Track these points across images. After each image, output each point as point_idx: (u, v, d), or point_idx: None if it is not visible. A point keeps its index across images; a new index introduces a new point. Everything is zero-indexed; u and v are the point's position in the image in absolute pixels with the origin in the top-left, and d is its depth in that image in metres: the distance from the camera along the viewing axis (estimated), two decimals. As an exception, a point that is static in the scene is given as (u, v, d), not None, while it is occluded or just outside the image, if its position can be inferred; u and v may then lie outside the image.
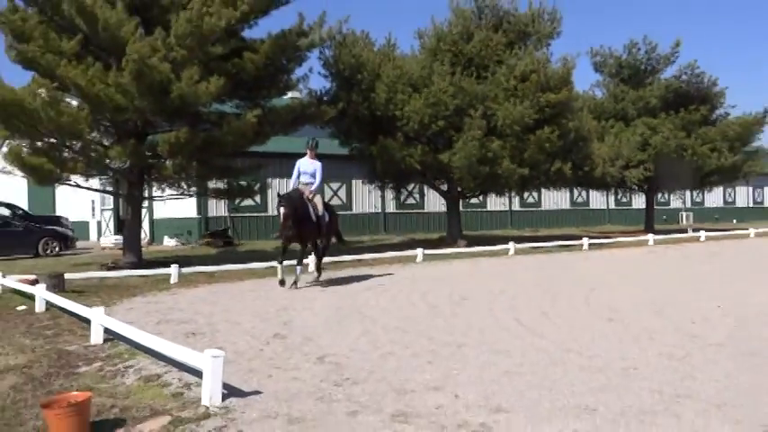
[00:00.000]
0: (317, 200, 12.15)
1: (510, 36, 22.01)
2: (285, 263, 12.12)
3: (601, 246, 23.05)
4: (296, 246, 12.48)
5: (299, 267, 12.20)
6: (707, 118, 30.38)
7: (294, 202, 11.48)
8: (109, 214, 29.51)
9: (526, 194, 31.82)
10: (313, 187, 12.08)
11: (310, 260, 14.57)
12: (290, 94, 20.46)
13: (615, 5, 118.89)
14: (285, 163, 26.36)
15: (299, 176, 12.19)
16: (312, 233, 12.14)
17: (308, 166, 12.15)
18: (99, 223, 30.50)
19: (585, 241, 22.54)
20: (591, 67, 32.72)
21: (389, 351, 6.75)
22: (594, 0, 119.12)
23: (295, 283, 11.92)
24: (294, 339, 7.41)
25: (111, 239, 24.76)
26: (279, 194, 11.60)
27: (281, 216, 11.24)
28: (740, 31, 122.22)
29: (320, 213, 12.06)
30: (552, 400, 5.01)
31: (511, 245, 20.35)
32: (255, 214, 26.43)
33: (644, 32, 66.92)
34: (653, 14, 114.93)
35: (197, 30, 13.61)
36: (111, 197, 26.77)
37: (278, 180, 25.97)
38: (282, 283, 11.74)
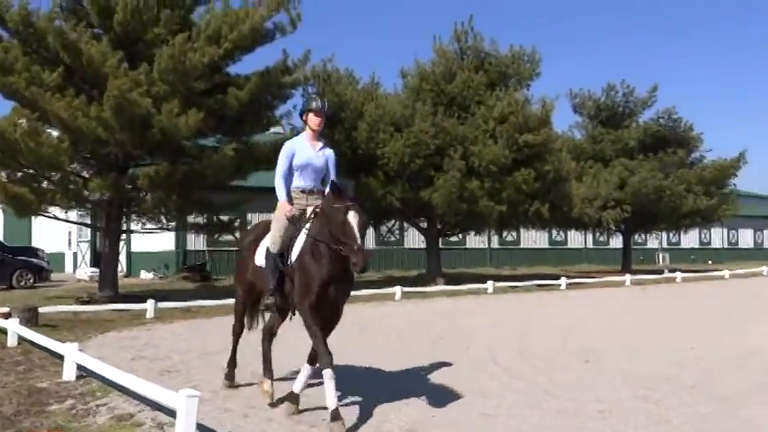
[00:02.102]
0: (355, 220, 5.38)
1: (491, 77, 22.38)
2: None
3: (578, 285, 23.17)
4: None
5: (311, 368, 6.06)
6: (684, 161, 30.99)
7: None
8: (86, 246, 29.21)
9: (505, 233, 32.01)
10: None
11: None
12: (273, 130, 20.57)
13: (595, 51, 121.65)
14: (267, 198, 26.47)
15: (289, 174, 6.13)
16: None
17: (313, 156, 6.10)
18: (75, 255, 30.14)
19: (563, 281, 22.66)
20: (570, 109, 33.27)
21: (366, 390, 6.71)
22: (574, 43, 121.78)
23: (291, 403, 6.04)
24: (287, 379, 7.34)
25: (86, 272, 24.46)
26: (337, 187, 5.54)
27: (356, 234, 5.30)
28: (715, 75, 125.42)
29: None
30: (528, 444, 5.01)
31: (489, 283, 20.39)
32: (235, 249, 26.22)
33: (623, 75, 68.36)
34: (632, 58, 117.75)
35: (180, 65, 13.72)
36: (89, 228, 26.52)
37: (258, 215, 25.92)
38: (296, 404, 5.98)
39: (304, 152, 6.09)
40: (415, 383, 7.10)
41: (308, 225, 5.81)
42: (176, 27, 14.76)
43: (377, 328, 11.85)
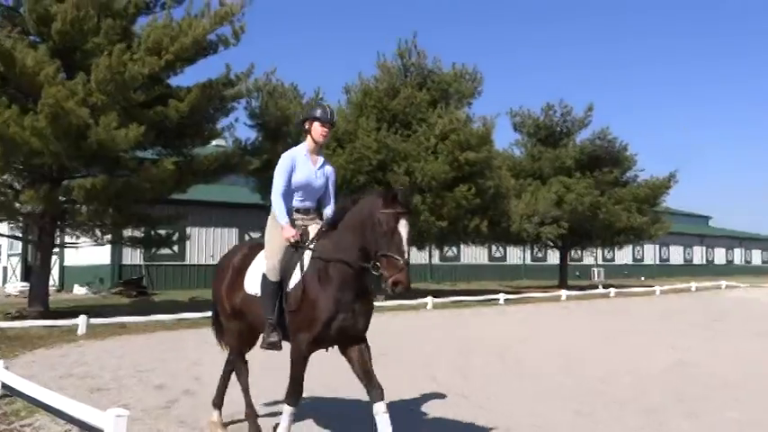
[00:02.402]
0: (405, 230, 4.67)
1: (433, 94, 22.70)
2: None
3: (516, 301, 23.56)
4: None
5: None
6: (618, 179, 31.97)
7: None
8: (16, 260, 28.21)
9: (445, 248, 32.34)
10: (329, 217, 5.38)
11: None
12: (215, 143, 20.33)
13: (536, 69, 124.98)
14: (206, 212, 26.22)
15: (288, 191, 5.32)
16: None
17: (312, 175, 5.39)
18: (5, 269, 29.08)
19: (502, 296, 23.00)
20: (510, 127, 33.96)
21: (300, 411, 6.66)
22: (516, 63, 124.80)
23: None
24: (204, 396, 7.19)
25: (17, 286, 23.63)
26: (398, 191, 4.70)
27: (405, 247, 4.54)
28: (648, 97, 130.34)
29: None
30: (461, 460, 5.06)
31: (429, 299, 20.53)
32: (173, 263, 25.79)
33: (561, 96, 70.04)
34: (571, 79, 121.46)
35: (119, 76, 13.45)
36: (20, 242, 25.63)
37: (197, 229, 25.56)
38: None
39: (304, 169, 5.31)
40: (349, 402, 7.08)
41: (312, 245, 5.02)
42: (117, 37, 14.47)
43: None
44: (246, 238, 28.16)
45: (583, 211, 29.06)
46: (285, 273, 5.03)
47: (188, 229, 23.14)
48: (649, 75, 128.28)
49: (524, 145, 33.35)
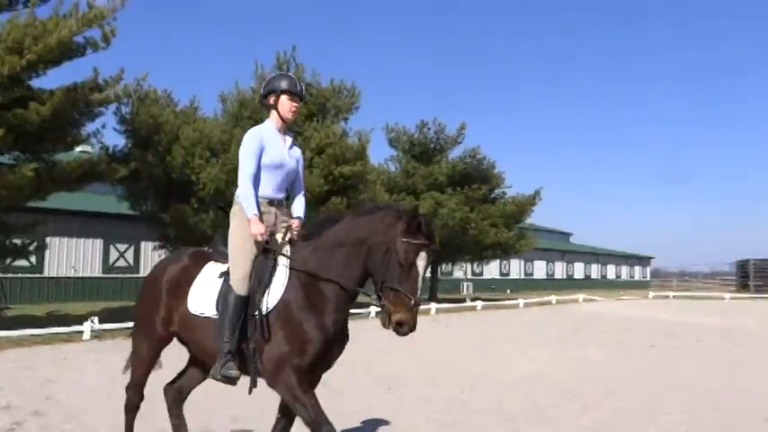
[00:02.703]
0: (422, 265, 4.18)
1: (311, 108, 22.78)
2: None
3: (389, 314, 23.94)
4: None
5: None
6: (487, 196, 33.33)
7: None
8: None
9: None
10: (299, 213, 4.74)
11: None
12: (80, 149, 19.40)
13: (413, 88, 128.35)
14: (68, 220, 24.86)
15: (257, 177, 4.46)
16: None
17: (286, 155, 4.59)
18: None
19: (372, 309, 23.31)
20: (386, 142, 34.56)
21: (162, 428, 6.51)
22: (392, 82, 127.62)
23: None
24: (54, 417, 6.87)
25: None
26: (423, 219, 4.11)
27: (419, 284, 4.16)
28: (516, 120, 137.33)
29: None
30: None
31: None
32: (29, 275, 24.23)
33: (436, 114, 72.22)
34: (448, 98, 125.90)
35: (-26, 75, 12.62)
36: None
37: (58, 239, 24.20)
38: None
39: (276, 147, 4.46)
40: (216, 415, 7.00)
41: (288, 252, 4.29)
42: (-26, 35, 13.58)
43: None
44: (112, 249, 26.94)
45: (453, 227, 30.00)
46: (256, 285, 4.19)
47: (47, 239, 21.85)
48: (517, 97, 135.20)
49: (399, 161, 34.06)
